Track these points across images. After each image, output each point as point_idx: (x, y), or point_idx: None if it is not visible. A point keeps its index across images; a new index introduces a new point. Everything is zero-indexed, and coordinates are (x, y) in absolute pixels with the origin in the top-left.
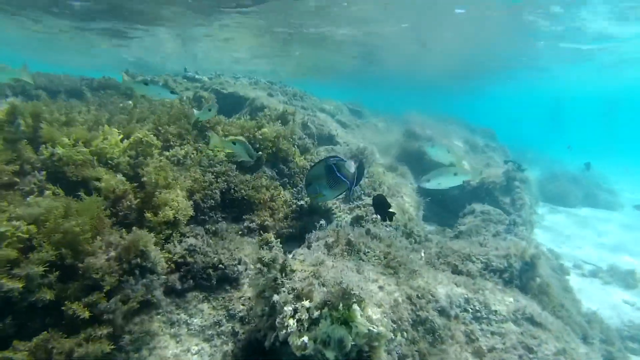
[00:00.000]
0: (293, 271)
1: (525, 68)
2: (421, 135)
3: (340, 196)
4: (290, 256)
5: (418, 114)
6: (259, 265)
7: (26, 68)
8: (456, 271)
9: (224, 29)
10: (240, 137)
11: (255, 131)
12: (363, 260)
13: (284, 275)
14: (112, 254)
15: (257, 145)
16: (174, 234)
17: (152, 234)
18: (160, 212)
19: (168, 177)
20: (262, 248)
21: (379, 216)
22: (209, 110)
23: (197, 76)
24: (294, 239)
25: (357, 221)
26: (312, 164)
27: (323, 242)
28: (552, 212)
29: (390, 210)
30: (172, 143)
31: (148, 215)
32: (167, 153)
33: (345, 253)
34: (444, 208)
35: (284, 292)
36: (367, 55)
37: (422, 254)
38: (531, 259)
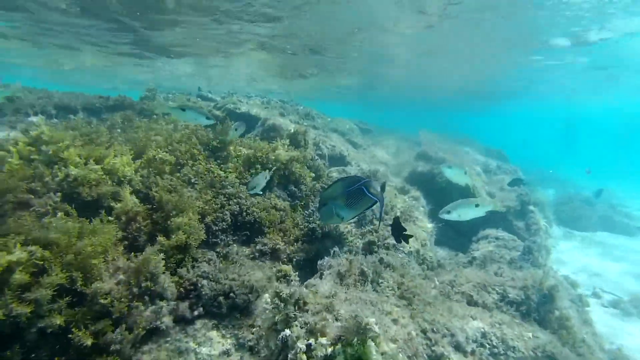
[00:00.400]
0: (306, 304)
1: (536, 85)
2: (433, 157)
3: (353, 220)
4: (302, 287)
5: (430, 133)
6: (276, 300)
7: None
8: (471, 302)
9: (240, 56)
10: (189, 103)
11: (267, 153)
12: (377, 291)
13: (297, 308)
14: (121, 277)
15: (270, 166)
16: (186, 259)
17: (161, 257)
18: (173, 236)
19: (181, 199)
20: (280, 281)
21: (394, 238)
22: (235, 129)
23: (210, 95)
24: (306, 263)
25: (369, 247)
26: (326, 185)
27: (335, 270)
28: (567, 237)
29: (407, 233)
30: (183, 162)
31: (161, 239)
32: (177, 174)
33: (359, 283)
34: (456, 231)
35: (297, 326)
36: (375, 75)
37: (436, 282)
38: (549, 290)
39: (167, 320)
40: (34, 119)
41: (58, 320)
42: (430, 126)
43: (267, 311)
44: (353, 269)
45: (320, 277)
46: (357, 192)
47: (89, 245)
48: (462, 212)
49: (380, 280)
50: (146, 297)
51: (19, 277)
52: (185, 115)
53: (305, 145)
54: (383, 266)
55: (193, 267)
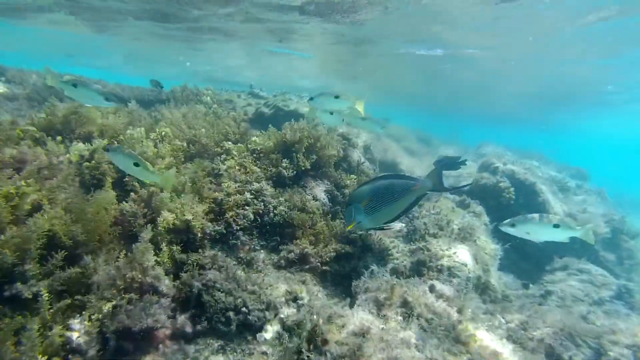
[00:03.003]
0: (326, 342)
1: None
2: (500, 169)
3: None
4: (326, 313)
5: (494, 146)
6: (277, 329)
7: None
8: (552, 356)
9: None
10: (83, 78)
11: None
12: (424, 330)
13: (311, 347)
14: (112, 271)
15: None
16: (189, 260)
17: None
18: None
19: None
20: (288, 304)
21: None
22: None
23: (261, 93)
24: (341, 279)
25: (418, 267)
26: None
27: (373, 296)
28: None
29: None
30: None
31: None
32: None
33: (401, 317)
34: (522, 255)
35: None
36: (439, 76)
37: (502, 321)
38: None
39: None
40: None
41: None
42: (497, 141)
43: (267, 345)
44: (395, 297)
45: (351, 305)
46: (386, 190)
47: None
48: (533, 230)
49: (431, 317)
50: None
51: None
52: (77, 93)
53: (353, 147)
54: (435, 296)
55: (200, 274)
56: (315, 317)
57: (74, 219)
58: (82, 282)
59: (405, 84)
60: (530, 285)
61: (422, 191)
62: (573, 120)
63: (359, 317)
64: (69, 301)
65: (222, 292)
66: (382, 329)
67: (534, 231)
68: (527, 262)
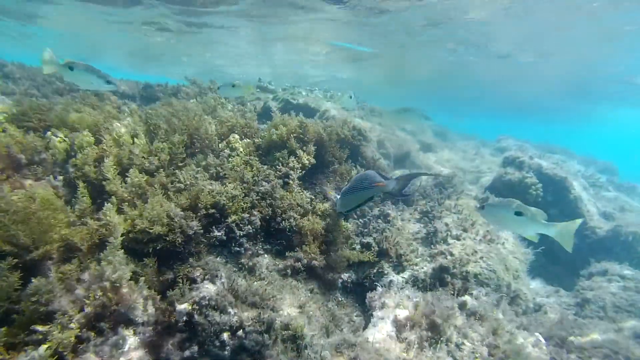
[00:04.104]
0: None
1: None
2: (526, 163)
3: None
4: (333, 342)
5: (514, 139)
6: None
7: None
8: None
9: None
10: (79, 62)
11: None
12: (455, 359)
13: None
14: (79, 291)
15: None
16: (181, 276)
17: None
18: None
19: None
20: (286, 349)
21: None
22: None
23: (269, 86)
24: (356, 288)
25: (440, 274)
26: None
27: (391, 314)
28: None
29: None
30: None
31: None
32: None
33: (426, 343)
34: (551, 258)
35: None
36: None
37: (540, 339)
38: None
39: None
40: None
41: None
42: (517, 134)
43: None
44: (418, 317)
45: (366, 325)
46: (358, 179)
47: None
48: (499, 216)
49: (462, 341)
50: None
51: None
52: (75, 76)
53: (366, 141)
54: (465, 315)
55: (192, 289)
56: (319, 349)
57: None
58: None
59: (420, 76)
60: (562, 290)
61: (380, 190)
62: (596, 112)
63: (374, 346)
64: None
65: (216, 310)
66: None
67: (500, 218)
68: (557, 265)
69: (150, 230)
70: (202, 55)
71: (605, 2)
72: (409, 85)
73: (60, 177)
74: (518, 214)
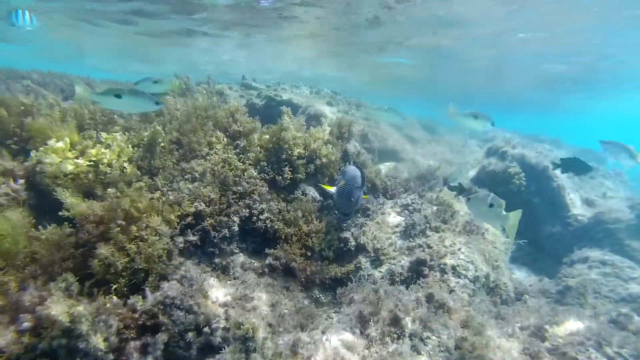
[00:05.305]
0: None
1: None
2: (509, 154)
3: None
4: (289, 341)
5: (502, 130)
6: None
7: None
8: None
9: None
10: (125, 88)
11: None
12: (419, 353)
13: None
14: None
15: (283, 156)
16: (150, 276)
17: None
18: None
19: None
20: (234, 350)
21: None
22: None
23: (254, 84)
24: (335, 283)
25: (417, 268)
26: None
27: (356, 311)
28: None
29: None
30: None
31: (102, 250)
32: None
33: (388, 338)
34: (538, 247)
35: None
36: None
37: (516, 330)
38: None
39: None
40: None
41: None
42: (507, 127)
43: None
44: (381, 311)
45: (323, 332)
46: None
47: None
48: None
49: (427, 335)
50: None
51: None
52: (123, 104)
53: (348, 136)
54: (433, 307)
55: (156, 288)
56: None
57: None
58: None
59: (408, 72)
60: (546, 279)
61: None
62: (587, 102)
63: (333, 344)
64: None
65: (181, 310)
66: (364, 357)
67: (480, 211)
68: (543, 254)
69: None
70: (188, 55)
71: None
72: (396, 83)
73: (22, 181)
74: (491, 206)
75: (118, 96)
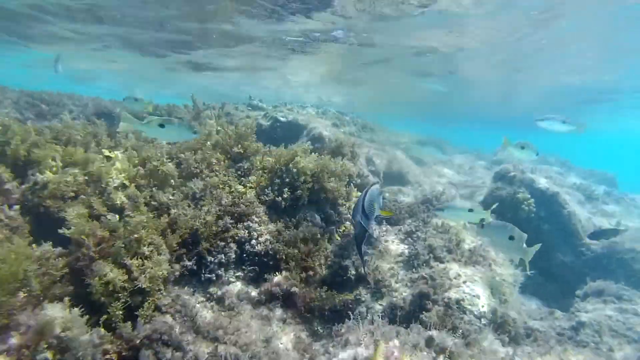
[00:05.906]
0: None
1: None
2: (518, 178)
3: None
4: None
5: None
6: None
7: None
8: None
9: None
10: (172, 118)
11: (286, 163)
12: None
13: None
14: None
15: (288, 180)
16: (145, 304)
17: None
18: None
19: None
20: None
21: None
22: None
23: (260, 104)
24: (334, 315)
25: (420, 302)
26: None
27: (351, 355)
28: None
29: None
30: (197, 171)
31: (93, 281)
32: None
33: None
34: (549, 277)
35: None
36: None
37: None
38: None
39: None
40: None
41: None
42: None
43: None
44: (378, 356)
45: None
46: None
47: None
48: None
49: None
50: None
51: None
52: (165, 134)
53: (352, 158)
54: (433, 352)
55: (149, 319)
56: None
57: None
58: None
59: (416, 94)
60: (558, 312)
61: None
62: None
63: None
64: None
65: (169, 348)
66: None
67: (496, 240)
68: (554, 283)
69: None
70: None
71: None
72: (403, 105)
73: (17, 207)
74: (512, 238)
75: (162, 126)
